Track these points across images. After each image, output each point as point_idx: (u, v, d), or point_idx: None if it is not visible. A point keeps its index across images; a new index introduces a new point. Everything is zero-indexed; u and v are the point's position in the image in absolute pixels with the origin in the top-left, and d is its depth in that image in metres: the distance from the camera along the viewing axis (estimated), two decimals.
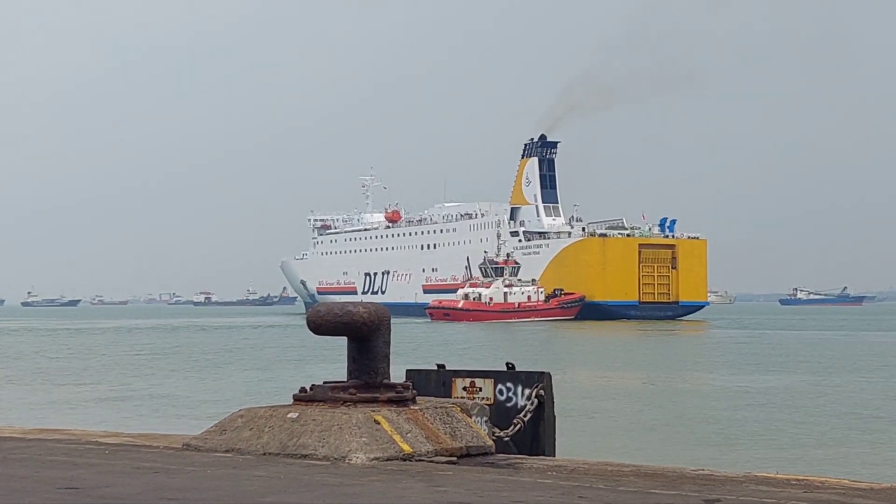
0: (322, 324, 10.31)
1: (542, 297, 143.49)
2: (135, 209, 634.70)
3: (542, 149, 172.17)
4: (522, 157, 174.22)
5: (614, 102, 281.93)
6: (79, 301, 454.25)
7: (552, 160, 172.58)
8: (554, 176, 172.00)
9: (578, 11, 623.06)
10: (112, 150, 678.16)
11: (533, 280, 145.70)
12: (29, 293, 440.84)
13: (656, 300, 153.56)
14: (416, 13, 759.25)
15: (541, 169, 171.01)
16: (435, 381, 12.30)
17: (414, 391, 10.51)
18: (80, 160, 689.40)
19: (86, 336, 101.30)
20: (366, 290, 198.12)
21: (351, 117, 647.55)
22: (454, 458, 9.81)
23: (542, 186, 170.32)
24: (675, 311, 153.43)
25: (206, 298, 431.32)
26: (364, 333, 10.30)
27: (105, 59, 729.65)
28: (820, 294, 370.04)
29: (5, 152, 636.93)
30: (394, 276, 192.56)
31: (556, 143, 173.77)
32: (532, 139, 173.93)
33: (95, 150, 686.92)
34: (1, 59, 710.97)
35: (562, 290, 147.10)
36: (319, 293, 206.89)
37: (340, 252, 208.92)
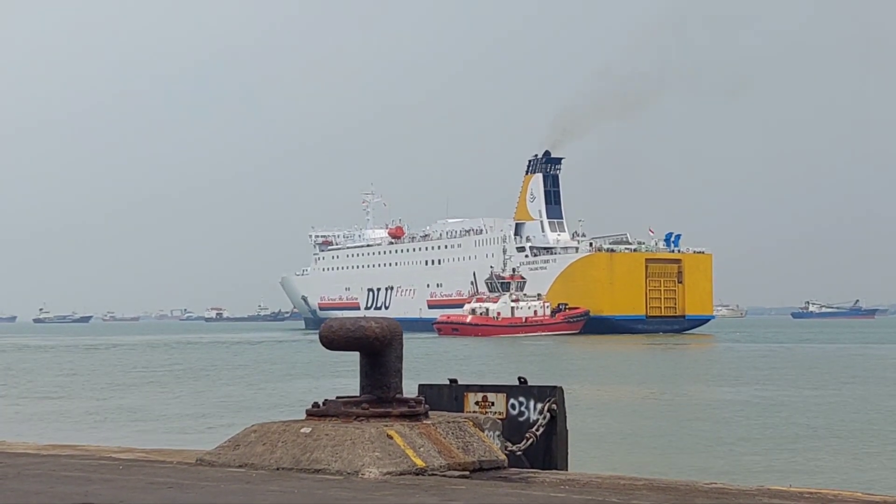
0: (335, 339, 10.33)
1: (548, 312, 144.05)
2: (147, 226, 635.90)
3: (547, 165, 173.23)
4: (527, 174, 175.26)
5: (615, 118, 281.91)
6: (90, 317, 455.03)
7: (556, 176, 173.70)
8: (558, 192, 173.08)
9: (579, 32, 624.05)
10: (121, 168, 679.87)
11: (539, 295, 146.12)
12: (41, 310, 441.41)
13: (663, 314, 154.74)
14: (419, 34, 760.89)
15: (545, 185, 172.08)
16: (447, 396, 12.30)
17: (426, 406, 10.52)
18: (91, 179, 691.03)
19: (97, 352, 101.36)
20: (369, 305, 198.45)
21: (356, 133, 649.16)
22: (467, 473, 9.81)
23: (547, 202, 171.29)
24: (681, 324, 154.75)
25: (217, 314, 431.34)
26: (376, 348, 10.32)
27: (114, 80, 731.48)
28: (832, 307, 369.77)
29: (17, 171, 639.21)
30: (398, 291, 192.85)
31: (561, 159, 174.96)
32: (536, 155, 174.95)
33: (105, 170, 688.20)
34: (14, 80, 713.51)
35: (566, 304, 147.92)
36: (321, 309, 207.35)
37: (342, 268, 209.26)
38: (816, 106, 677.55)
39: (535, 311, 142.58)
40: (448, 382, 12.50)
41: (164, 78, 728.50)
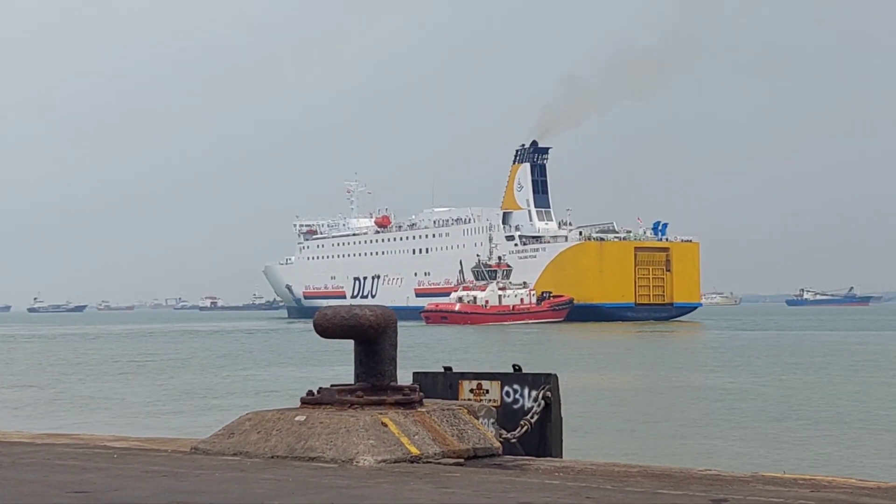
0: (329, 327, 10.31)
1: (533, 300, 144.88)
2: (140, 215, 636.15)
3: (534, 154, 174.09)
4: (514, 163, 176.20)
5: (602, 105, 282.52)
6: (85, 307, 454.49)
7: (544, 165, 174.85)
8: (546, 181, 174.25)
9: (567, 21, 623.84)
10: (116, 157, 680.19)
11: (524, 283, 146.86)
12: (35, 299, 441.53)
13: (651, 302, 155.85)
14: (406, 23, 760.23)
15: (533, 174, 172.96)
16: (442, 384, 12.30)
17: (421, 394, 10.52)
18: (85, 167, 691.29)
19: (91, 342, 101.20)
20: (355, 294, 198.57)
21: (342, 122, 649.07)
22: (461, 460, 9.82)
23: (535, 191, 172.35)
24: (669, 312, 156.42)
25: (211, 303, 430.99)
26: (371, 336, 10.30)
27: (103, 68, 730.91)
28: (826, 294, 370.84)
29: (10, 159, 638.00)
30: (384, 279, 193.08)
31: (548, 148, 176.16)
32: (523, 145, 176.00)
33: (99, 158, 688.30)
34: (6, 66, 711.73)
35: (550, 292, 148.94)
36: (306, 297, 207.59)
37: (328, 257, 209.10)
38: (811, 87, 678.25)
39: (522, 300, 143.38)
40: (442, 370, 12.51)
41: (158, 65, 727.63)
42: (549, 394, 11.87)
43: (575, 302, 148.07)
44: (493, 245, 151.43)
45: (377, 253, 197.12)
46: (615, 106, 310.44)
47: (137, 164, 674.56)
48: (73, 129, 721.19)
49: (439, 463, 9.56)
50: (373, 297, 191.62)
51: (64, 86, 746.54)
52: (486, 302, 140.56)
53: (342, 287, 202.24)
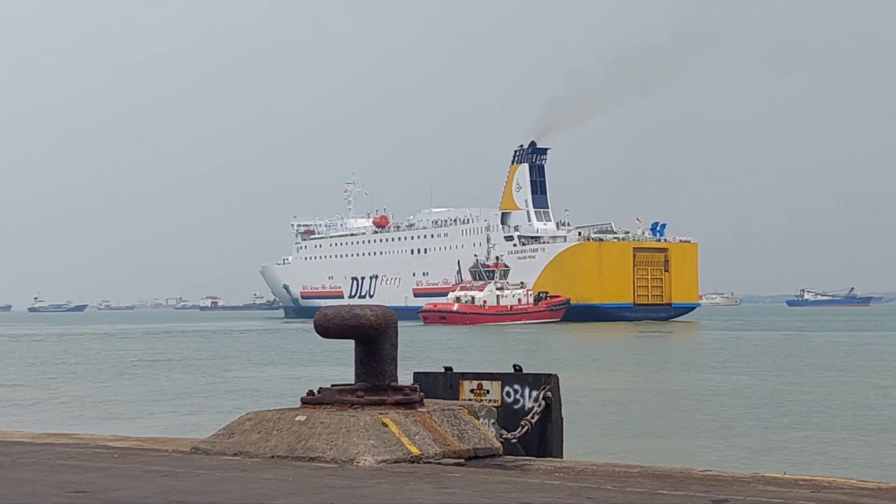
0: (329, 327, 10.30)
1: (531, 300, 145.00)
2: (141, 215, 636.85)
3: (533, 155, 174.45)
4: (513, 164, 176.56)
5: (608, 102, 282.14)
6: (85, 306, 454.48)
7: (542, 166, 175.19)
8: (544, 182, 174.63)
9: (572, 15, 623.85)
10: (116, 156, 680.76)
11: (522, 283, 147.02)
12: (36, 299, 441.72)
13: (650, 302, 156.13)
14: (405, 23, 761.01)
15: (531, 175, 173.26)
16: (442, 384, 12.30)
17: (421, 394, 10.51)
18: (85, 166, 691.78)
19: (90, 341, 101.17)
20: (352, 294, 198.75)
21: (340, 122, 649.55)
22: (462, 460, 9.81)
23: (533, 192, 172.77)
24: (668, 312, 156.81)
25: (212, 303, 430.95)
26: (371, 336, 10.30)
27: (104, 67, 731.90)
28: (827, 295, 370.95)
29: (11, 158, 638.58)
30: (382, 280, 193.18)
31: (546, 149, 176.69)
32: (522, 146, 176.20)
33: (100, 157, 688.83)
34: (4, 66, 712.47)
35: (547, 293, 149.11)
36: (303, 297, 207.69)
37: (326, 257, 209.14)
38: (812, 87, 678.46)
39: (519, 300, 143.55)
40: (443, 370, 12.51)
41: (154, 66, 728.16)
42: (549, 394, 11.88)
43: (573, 302, 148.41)
44: (490, 245, 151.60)
45: (375, 253, 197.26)
46: (621, 103, 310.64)
47: (138, 163, 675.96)
48: (73, 128, 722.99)
49: (440, 463, 9.55)
50: (370, 297, 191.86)
51: (63, 85, 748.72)
52: (484, 302, 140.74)
53: (340, 287, 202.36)
